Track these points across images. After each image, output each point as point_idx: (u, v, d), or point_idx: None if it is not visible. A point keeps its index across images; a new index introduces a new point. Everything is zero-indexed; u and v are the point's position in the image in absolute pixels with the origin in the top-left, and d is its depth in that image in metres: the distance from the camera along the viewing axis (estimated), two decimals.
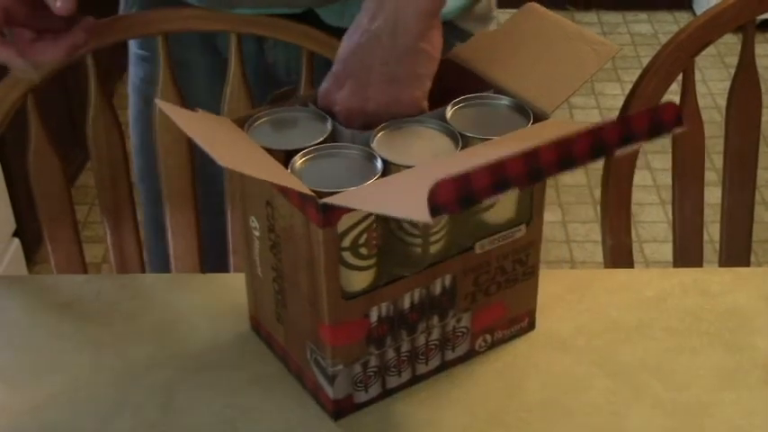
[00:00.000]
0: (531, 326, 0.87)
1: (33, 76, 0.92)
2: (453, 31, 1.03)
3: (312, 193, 0.69)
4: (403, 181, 0.69)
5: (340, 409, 0.78)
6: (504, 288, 0.82)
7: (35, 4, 0.88)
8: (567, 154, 0.63)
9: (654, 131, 0.67)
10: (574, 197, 2.55)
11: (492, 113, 0.80)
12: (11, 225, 2.10)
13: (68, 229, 1.06)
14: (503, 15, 0.97)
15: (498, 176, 0.60)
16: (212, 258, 1.11)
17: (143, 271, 1.12)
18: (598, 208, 2.52)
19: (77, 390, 0.83)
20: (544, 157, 0.62)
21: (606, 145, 0.65)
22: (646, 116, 0.66)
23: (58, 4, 0.86)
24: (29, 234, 2.18)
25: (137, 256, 1.09)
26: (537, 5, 0.89)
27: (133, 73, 1.13)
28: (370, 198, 0.68)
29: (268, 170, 0.70)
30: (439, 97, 0.83)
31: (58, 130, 1.06)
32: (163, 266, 1.14)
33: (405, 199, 0.63)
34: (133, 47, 1.12)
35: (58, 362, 0.86)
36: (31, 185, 1.05)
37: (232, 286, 0.94)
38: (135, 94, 1.14)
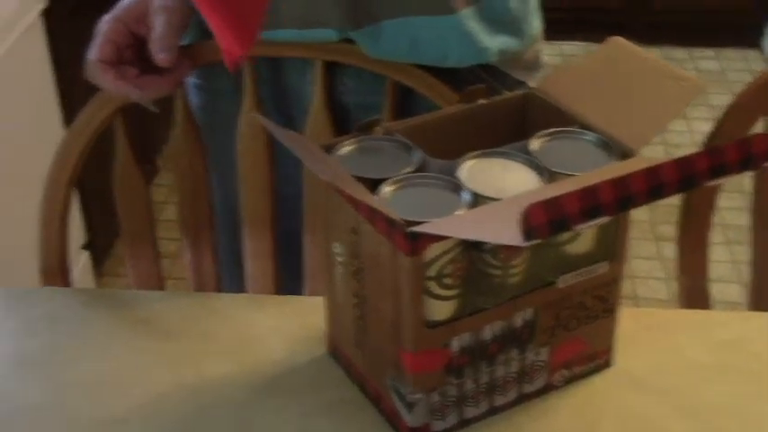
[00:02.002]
0: (608, 363, 0.86)
1: (151, 107, 0.97)
2: (502, 77, 1.04)
3: (401, 220, 0.69)
4: (492, 210, 0.70)
5: None
6: (584, 324, 0.82)
7: (140, 44, 0.92)
8: (656, 183, 0.63)
9: (744, 164, 0.66)
10: (637, 232, 2.54)
11: (577, 149, 0.81)
12: (81, 238, 2.14)
13: (148, 247, 1.08)
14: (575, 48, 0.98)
15: (589, 202, 0.60)
16: (287, 282, 1.12)
17: (218, 291, 1.14)
18: (660, 245, 2.50)
19: (157, 404, 0.85)
20: (634, 185, 0.62)
21: (696, 176, 0.65)
22: (737, 147, 0.66)
23: (161, 56, 0.90)
24: (98, 247, 2.22)
25: (213, 275, 1.10)
26: (622, 39, 0.89)
27: (191, 102, 1.16)
28: (459, 226, 0.68)
29: (361, 192, 0.71)
30: (521, 131, 0.83)
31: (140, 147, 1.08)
32: (237, 291, 1.15)
33: (496, 224, 0.63)
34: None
35: (138, 376, 0.88)
36: (115, 202, 1.07)
37: (308, 309, 0.95)
38: None
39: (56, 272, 1.08)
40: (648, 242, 2.50)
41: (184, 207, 1.09)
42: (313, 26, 0.99)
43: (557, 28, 1.52)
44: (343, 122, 1.06)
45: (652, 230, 2.54)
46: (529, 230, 0.57)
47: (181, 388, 0.86)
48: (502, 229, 0.60)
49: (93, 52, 0.93)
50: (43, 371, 0.89)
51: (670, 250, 2.42)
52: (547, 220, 0.58)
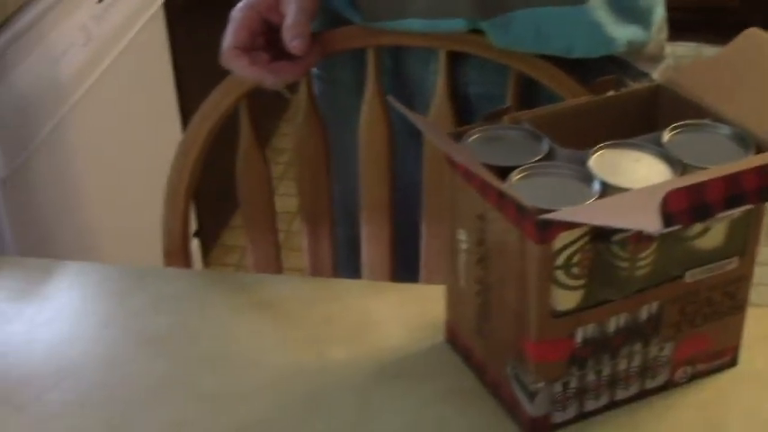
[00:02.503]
0: (734, 362, 0.85)
1: (284, 93, 0.99)
2: (626, 68, 1.03)
3: (532, 207, 0.69)
4: (626, 198, 0.69)
5: (536, 427, 0.78)
6: (710, 320, 0.81)
7: (272, 31, 0.94)
8: None
9: None
10: None
11: (711, 142, 0.79)
12: (193, 225, 2.19)
13: (268, 232, 1.10)
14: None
15: (733, 189, 0.59)
16: (401, 272, 1.12)
17: (335, 278, 1.15)
18: None
19: (278, 385, 0.86)
20: None
21: None
22: None
23: (294, 43, 0.92)
24: (206, 235, 2.27)
25: (330, 262, 1.11)
26: (758, 31, 0.87)
27: None
28: (593, 213, 0.68)
29: (492, 178, 0.71)
30: (651, 124, 0.82)
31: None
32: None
33: (632, 211, 0.63)
34: None
35: (260, 357, 0.89)
36: (237, 187, 1.09)
37: (427, 297, 0.95)
38: None
39: (178, 254, 1.11)
40: (764, 247, 2.43)
41: (305, 194, 1.11)
42: (442, 16, 0.99)
43: (674, 26, 1.49)
44: (465, 113, 1.06)
45: None
46: (669, 216, 0.56)
47: (301, 369, 0.88)
48: (638, 216, 0.59)
49: (228, 39, 0.95)
50: (168, 347, 0.91)
51: None
52: (688, 206, 0.57)
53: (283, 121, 2.81)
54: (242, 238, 2.43)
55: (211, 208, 2.23)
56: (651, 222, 0.56)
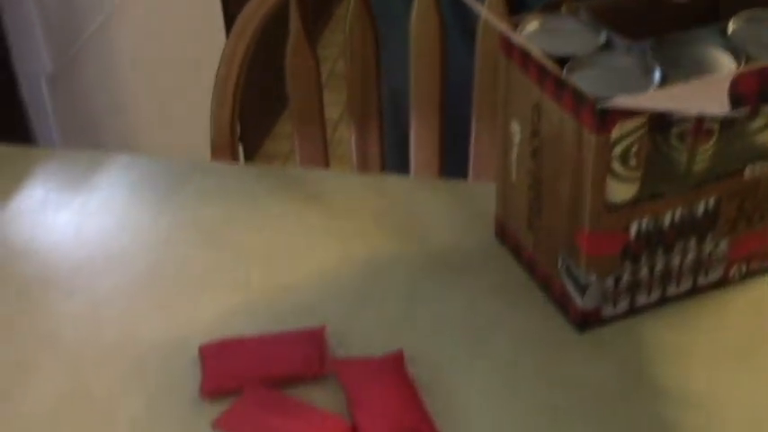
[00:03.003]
0: None
1: None
2: None
3: (591, 95, 0.68)
4: (689, 86, 0.67)
5: (586, 321, 0.78)
6: None
7: None
8: None
9: None
10: None
11: None
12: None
13: (317, 126, 1.09)
14: None
15: None
16: (450, 169, 1.12)
17: (382, 172, 1.14)
18: None
19: (326, 277, 0.86)
20: None
21: None
22: None
23: None
24: (248, 144, 2.27)
25: (378, 159, 1.11)
26: None
27: None
28: (654, 100, 0.66)
29: (551, 65, 0.69)
30: (714, 16, 0.80)
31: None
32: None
33: (697, 97, 0.61)
34: None
35: (308, 249, 0.89)
36: (287, 82, 1.08)
37: (477, 194, 0.94)
38: None
39: (226, 148, 1.10)
40: None
41: (354, 91, 1.09)
42: None
43: None
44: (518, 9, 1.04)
45: None
46: (737, 97, 0.54)
47: (349, 262, 0.88)
48: (704, 100, 0.57)
49: None
50: (216, 238, 0.91)
51: None
52: (758, 88, 0.55)
53: (327, 29, 2.78)
54: (285, 145, 2.43)
55: (254, 116, 2.23)
56: (718, 104, 0.54)
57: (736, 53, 0.74)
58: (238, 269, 0.87)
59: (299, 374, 0.75)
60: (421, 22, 1.05)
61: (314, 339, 0.77)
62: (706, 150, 0.74)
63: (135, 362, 0.78)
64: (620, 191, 0.72)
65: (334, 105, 2.23)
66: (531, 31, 0.79)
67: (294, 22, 1.07)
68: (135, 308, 0.84)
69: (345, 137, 2.41)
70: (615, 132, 0.69)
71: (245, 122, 2.21)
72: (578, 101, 0.70)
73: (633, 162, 0.71)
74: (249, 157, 2.30)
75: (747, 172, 0.75)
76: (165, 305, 0.84)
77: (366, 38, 1.07)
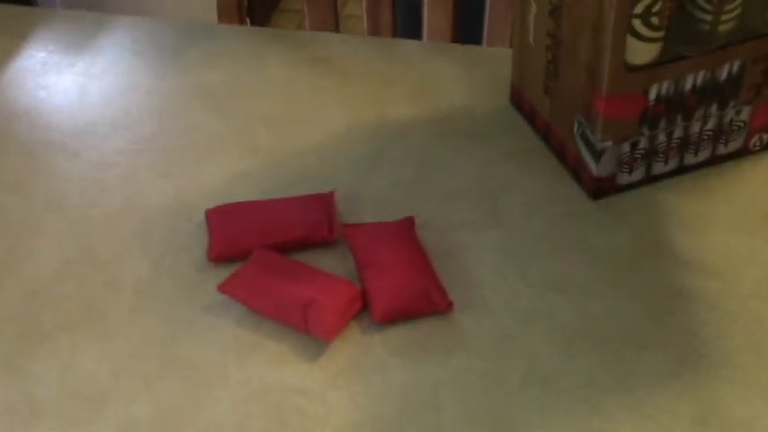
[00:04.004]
0: None
1: None
2: None
3: None
4: None
5: (600, 188, 0.76)
6: None
7: None
8: None
9: None
10: None
11: None
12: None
13: None
14: None
15: None
16: (464, 35, 1.08)
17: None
18: None
19: (336, 142, 0.84)
20: None
21: None
22: None
23: None
24: (255, 15, 2.22)
25: (390, 23, 1.07)
26: None
27: None
28: None
29: None
30: None
31: None
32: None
33: None
34: None
35: (318, 114, 0.87)
36: None
37: (491, 59, 0.91)
38: None
39: (233, 10, 1.07)
40: None
41: None
42: None
43: None
44: None
45: None
46: None
47: (360, 127, 0.85)
48: None
49: None
50: (222, 102, 0.89)
51: None
52: None
53: None
54: (293, 19, 2.38)
55: None
56: None
57: None
58: (245, 134, 0.85)
59: (307, 239, 0.73)
60: None
61: (323, 204, 0.75)
62: (733, 9, 0.71)
63: (140, 225, 0.77)
64: (641, 52, 0.69)
65: None
66: None
67: None
68: (140, 172, 0.82)
69: (356, 12, 2.35)
70: None
71: None
72: None
73: (656, 21, 0.68)
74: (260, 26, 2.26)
75: None
76: (170, 170, 0.82)
77: None
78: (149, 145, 0.85)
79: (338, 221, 0.75)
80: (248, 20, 2.17)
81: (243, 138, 0.85)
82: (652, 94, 0.72)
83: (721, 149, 0.78)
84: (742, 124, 0.77)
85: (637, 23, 0.68)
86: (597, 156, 0.74)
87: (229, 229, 0.74)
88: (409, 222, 0.73)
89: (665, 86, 0.72)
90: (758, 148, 0.79)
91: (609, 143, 0.73)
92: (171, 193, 0.80)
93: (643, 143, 0.74)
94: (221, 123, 0.87)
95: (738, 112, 0.76)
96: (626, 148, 0.74)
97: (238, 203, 0.76)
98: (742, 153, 0.79)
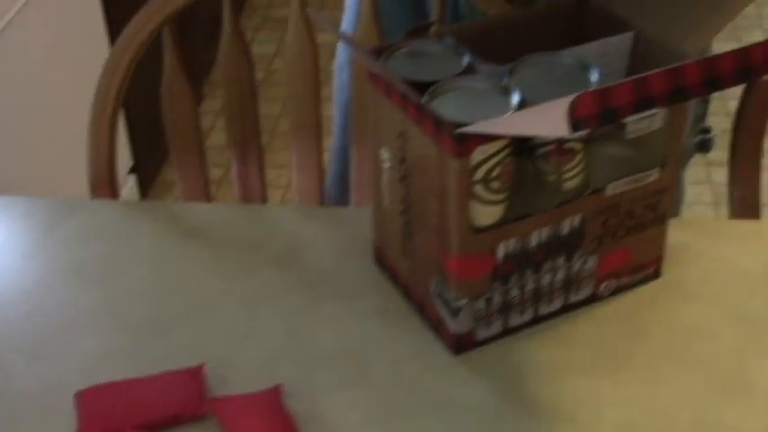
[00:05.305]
0: (657, 274, 0.85)
1: None
2: None
3: (448, 120, 0.69)
4: (541, 109, 0.68)
5: (461, 344, 0.79)
6: (633, 233, 0.81)
7: None
8: (711, 74, 0.61)
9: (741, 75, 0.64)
10: None
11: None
12: (129, 161, 2.16)
13: (196, 157, 1.09)
14: None
15: (640, 93, 0.59)
16: (342, 194, 1.12)
17: (264, 202, 1.14)
18: (709, 170, 2.47)
19: (207, 312, 0.85)
20: (689, 75, 0.60)
21: (753, 67, 0.63)
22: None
23: None
24: (144, 173, 2.24)
25: (259, 186, 1.10)
26: None
27: None
28: (507, 125, 0.67)
29: (410, 93, 0.70)
30: (575, 37, 0.82)
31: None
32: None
33: (544, 120, 0.62)
34: None
35: (187, 284, 0.89)
36: (163, 114, 1.07)
37: (356, 220, 0.95)
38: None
39: (104, 184, 1.09)
40: (698, 167, 2.47)
41: (232, 120, 1.09)
42: None
43: None
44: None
45: (702, 155, 2.50)
46: (576, 121, 0.56)
47: (231, 296, 0.87)
48: (549, 123, 0.59)
49: None
50: (95, 279, 0.90)
51: (719, 175, 2.39)
52: (596, 110, 0.57)
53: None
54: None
55: (149, 144, 2.20)
56: (560, 127, 0.56)
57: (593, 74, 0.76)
58: (118, 310, 0.86)
59: (177, 416, 0.74)
60: (295, 46, 1.06)
61: (192, 379, 0.76)
62: (572, 169, 0.76)
63: (8, 413, 0.76)
64: (485, 214, 0.74)
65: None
66: (397, 55, 0.80)
67: (168, 55, 1.06)
68: (9, 357, 0.82)
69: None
70: (475, 156, 0.70)
71: (139, 151, 2.18)
72: (438, 126, 0.71)
73: (496, 185, 0.73)
74: (146, 186, 2.27)
75: (609, 189, 0.77)
76: (40, 353, 0.82)
77: (241, 65, 1.07)
78: (19, 329, 0.85)
79: (207, 395, 0.76)
80: (136, 177, 2.19)
81: (117, 313, 0.86)
82: (500, 253, 0.75)
83: (573, 297, 0.82)
84: (590, 273, 0.81)
85: (478, 189, 0.72)
86: (454, 313, 0.77)
87: (98, 412, 0.74)
88: (275, 391, 0.75)
89: (512, 244, 0.76)
90: (608, 293, 0.84)
91: (464, 301, 0.77)
92: (42, 376, 0.80)
93: (497, 298, 0.78)
94: (95, 299, 0.87)
95: (585, 262, 0.80)
96: (481, 304, 0.77)
97: (108, 384, 0.76)
98: (593, 299, 0.83)
